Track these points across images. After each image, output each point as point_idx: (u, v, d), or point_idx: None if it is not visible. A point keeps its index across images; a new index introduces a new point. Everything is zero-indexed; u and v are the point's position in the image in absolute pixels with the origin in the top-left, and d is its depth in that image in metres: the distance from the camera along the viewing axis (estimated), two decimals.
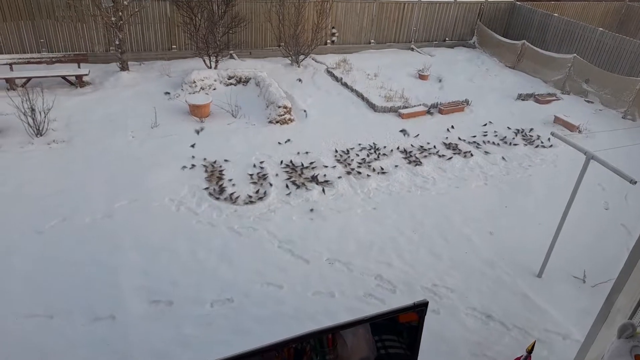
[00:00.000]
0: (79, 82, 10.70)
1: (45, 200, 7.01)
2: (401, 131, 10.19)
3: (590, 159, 5.65)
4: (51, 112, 8.83)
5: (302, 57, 13.33)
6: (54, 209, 6.85)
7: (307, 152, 9.02)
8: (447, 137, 10.18)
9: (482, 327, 5.68)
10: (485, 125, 10.91)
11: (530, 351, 3.16)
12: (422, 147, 9.65)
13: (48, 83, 10.49)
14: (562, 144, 9.27)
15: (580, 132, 10.87)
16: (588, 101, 12.83)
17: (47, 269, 5.84)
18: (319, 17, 13.31)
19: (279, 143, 9.24)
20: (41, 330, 5.08)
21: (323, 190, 7.88)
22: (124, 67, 11.55)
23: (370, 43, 15.45)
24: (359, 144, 9.51)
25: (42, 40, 11.58)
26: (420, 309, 2.47)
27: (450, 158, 9.31)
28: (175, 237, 6.58)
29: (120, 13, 10.94)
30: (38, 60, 10.94)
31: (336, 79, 12.72)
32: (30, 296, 5.46)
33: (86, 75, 10.79)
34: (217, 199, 7.46)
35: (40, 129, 8.60)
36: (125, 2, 10.99)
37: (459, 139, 10.19)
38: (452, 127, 10.62)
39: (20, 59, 10.79)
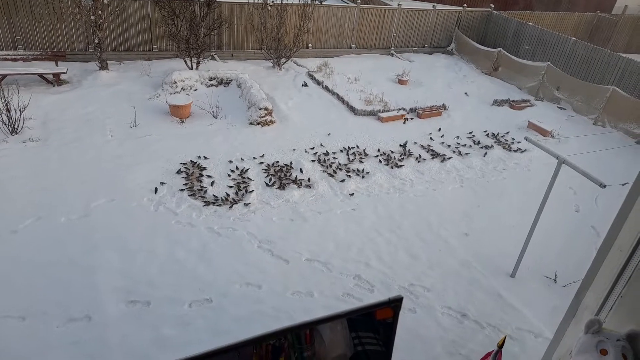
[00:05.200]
0: (56, 80, 10.52)
1: (20, 200, 6.87)
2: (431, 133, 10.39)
3: (562, 163, 5.86)
4: (27, 110, 8.67)
5: (283, 60, 13.39)
6: (29, 208, 6.72)
7: (287, 154, 9.06)
8: (425, 140, 10.37)
9: (457, 325, 5.81)
10: (457, 137, 11.14)
11: (500, 346, 3.27)
12: (398, 147, 9.81)
13: (24, 81, 10.28)
14: (536, 149, 9.54)
15: (552, 137, 11.21)
16: (560, 108, 13.24)
17: (20, 269, 5.73)
18: (300, 20, 13.39)
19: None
20: (13, 332, 4.97)
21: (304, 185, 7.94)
22: (103, 66, 11.40)
23: (351, 48, 15.61)
24: (339, 146, 9.61)
25: (18, 38, 11.34)
26: (395, 304, 2.52)
27: (426, 160, 9.49)
28: (153, 237, 6.54)
29: (100, 12, 10.81)
30: (14, 57, 10.72)
31: (317, 82, 12.81)
32: (1, 297, 5.34)
33: (64, 73, 10.62)
34: (197, 199, 7.44)
35: (16, 127, 8.43)
36: (105, 1, 10.86)
37: (432, 141, 10.40)
38: (439, 129, 10.86)
39: None
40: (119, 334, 5.10)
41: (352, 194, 8.07)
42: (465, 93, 11.25)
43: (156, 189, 7.51)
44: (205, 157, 8.56)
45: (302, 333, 2.59)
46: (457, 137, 10.75)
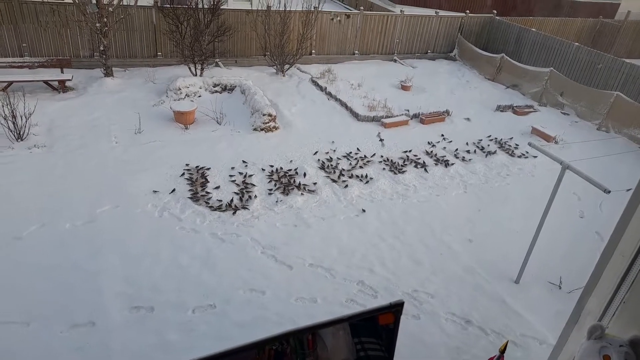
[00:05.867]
0: (61, 87, 10.62)
1: (24, 206, 6.92)
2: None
3: (566, 169, 5.85)
4: (33, 116, 8.75)
5: (287, 66, 13.46)
6: (34, 214, 6.77)
7: (291, 160, 9.09)
8: (428, 146, 10.38)
9: (462, 332, 5.78)
10: (460, 142, 11.14)
11: (503, 351, 3.25)
12: (402, 153, 9.82)
13: (30, 88, 10.38)
14: (540, 154, 9.53)
15: (556, 142, 11.19)
16: (564, 113, 13.23)
17: (25, 275, 5.76)
18: (304, 27, 13.48)
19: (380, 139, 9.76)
20: (16, 338, 4.99)
21: (306, 189, 7.95)
22: (108, 73, 11.50)
23: (354, 54, 15.68)
24: (343, 152, 9.63)
25: (24, 45, 11.47)
26: (396, 308, 2.52)
27: (429, 165, 9.50)
28: (157, 243, 6.56)
29: (105, 19, 10.93)
30: (20, 64, 10.84)
31: (321, 88, 12.86)
32: (6, 302, 5.37)
33: (69, 80, 10.72)
34: (201, 205, 7.47)
35: (21, 133, 8.51)
36: (110, 9, 10.98)
37: (435, 146, 10.40)
38: (442, 135, 10.87)
39: (1, 62, 10.67)
40: (122, 340, 5.11)
41: (364, 211, 7.84)
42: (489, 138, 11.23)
43: (174, 189, 7.69)
44: (209, 164, 8.60)
45: (305, 338, 2.60)
46: (461, 142, 10.74)
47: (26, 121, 8.55)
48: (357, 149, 9.84)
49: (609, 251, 2.38)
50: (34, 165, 7.97)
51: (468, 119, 11.94)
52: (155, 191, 7.63)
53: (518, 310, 6.22)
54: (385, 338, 2.82)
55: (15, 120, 8.41)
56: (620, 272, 2.25)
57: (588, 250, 7.57)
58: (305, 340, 2.60)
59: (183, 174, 8.20)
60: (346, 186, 8.43)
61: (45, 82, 10.55)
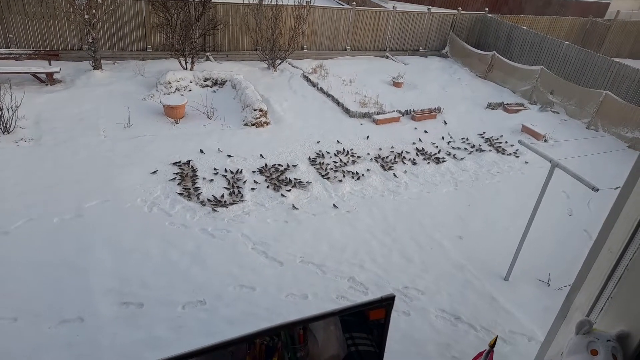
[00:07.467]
0: (49, 79, 10.45)
1: (12, 200, 6.82)
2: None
3: (555, 167, 5.90)
4: (20, 109, 8.61)
5: (278, 61, 13.39)
6: (21, 208, 6.67)
7: (282, 155, 9.06)
8: (419, 143, 10.40)
9: (451, 328, 5.82)
10: (451, 139, 11.19)
11: (492, 346, 3.27)
12: (393, 149, 9.83)
13: (17, 80, 10.20)
14: (529, 152, 9.60)
15: (546, 140, 11.29)
16: (554, 111, 13.34)
17: (12, 270, 5.68)
18: (296, 22, 13.41)
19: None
20: (4, 333, 4.93)
21: (296, 186, 7.93)
22: (96, 66, 11.35)
23: (346, 50, 15.65)
24: (334, 148, 9.61)
25: (10, 36, 11.26)
26: (387, 302, 2.52)
27: (420, 162, 9.52)
28: (147, 239, 6.50)
29: (93, 11, 10.76)
30: (6, 56, 10.64)
31: (312, 83, 12.83)
32: None
33: (57, 72, 10.55)
34: (191, 200, 7.41)
35: (8, 126, 8.37)
36: (99, 0, 10.82)
37: (427, 143, 10.43)
38: (425, 131, 10.89)
39: None
40: (111, 336, 5.07)
41: (349, 212, 7.71)
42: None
43: (174, 177, 7.81)
44: (199, 158, 8.54)
45: (296, 333, 2.59)
46: (451, 139, 10.79)
47: (13, 114, 8.41)
48: (350, 146, 9.82)
49: (597, 247, 2.40)
50: (21, 158, 7.85)
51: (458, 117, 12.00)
52: (153, 172, 7.77)
53: (507, 307, 6.28)
54: (376, 333, 2.82)
55: (2, 113, 8.26)
56: (608, 268, 2.27)
57: (576, 248, 7.65)
58: (296, 335, 2.59)
59: (173, 170, 8.13)
60: (340, 181, 8.43)
61: (33, 74, 10.37)
